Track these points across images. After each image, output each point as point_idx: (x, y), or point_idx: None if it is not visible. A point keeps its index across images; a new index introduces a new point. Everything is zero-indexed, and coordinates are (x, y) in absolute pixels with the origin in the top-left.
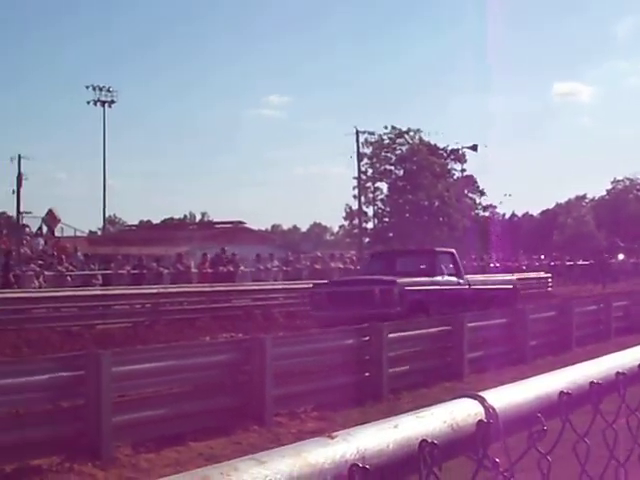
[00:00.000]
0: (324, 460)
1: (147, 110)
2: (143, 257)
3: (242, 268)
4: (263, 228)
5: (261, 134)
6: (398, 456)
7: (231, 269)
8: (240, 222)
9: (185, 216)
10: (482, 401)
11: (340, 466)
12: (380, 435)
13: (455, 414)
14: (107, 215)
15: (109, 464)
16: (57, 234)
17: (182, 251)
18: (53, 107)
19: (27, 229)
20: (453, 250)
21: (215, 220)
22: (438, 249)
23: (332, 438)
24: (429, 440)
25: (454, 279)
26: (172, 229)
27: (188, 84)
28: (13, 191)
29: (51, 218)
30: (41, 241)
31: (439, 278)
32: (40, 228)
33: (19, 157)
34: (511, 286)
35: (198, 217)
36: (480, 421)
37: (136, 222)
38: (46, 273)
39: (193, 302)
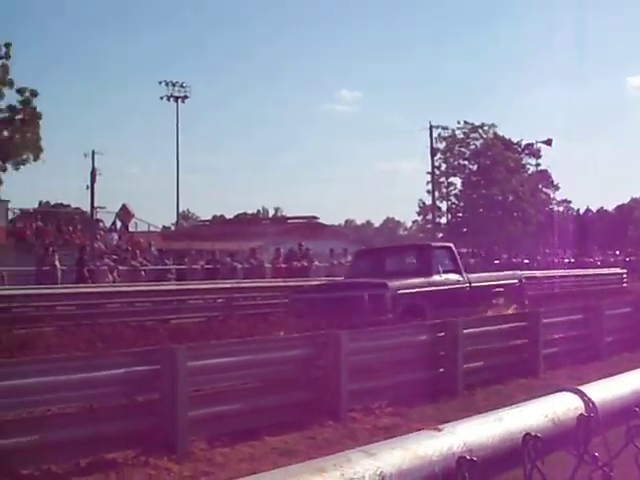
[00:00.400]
0: (432, 452)
1: (220, 105)
2: (217, 252)
3: (316, 263)
4: (336, 223)
5: (334, 129)
6: (502, 449)
7: (305, 264)
8: (313, 217)
9: (258, 211)
10: (582, 395)
11: (448, 458)
12: (485, 428)
13: (556, 408)
14: (180, 210)
15: (184, 458)
16: (131, 229)
17: (255, 246)
18: (127, 103)
19: (101, 224)
20: (450, 244)
21: (288, 215)
22: (433, 244)
23: (439, 430)
24: (532, 434)
25: (453, 277)
26: (245, 224)
27: (261, 79)
28: (87, 186)
29: (125, 213)
30: (115, 236)
31: (436, 277)
32: (114, 223)
33: (93, 153)
34: (516, 281)
35: (271, 212)
36: (581, 415)
37: (209, 217)
38: (120, 268)
39: (267, 297)
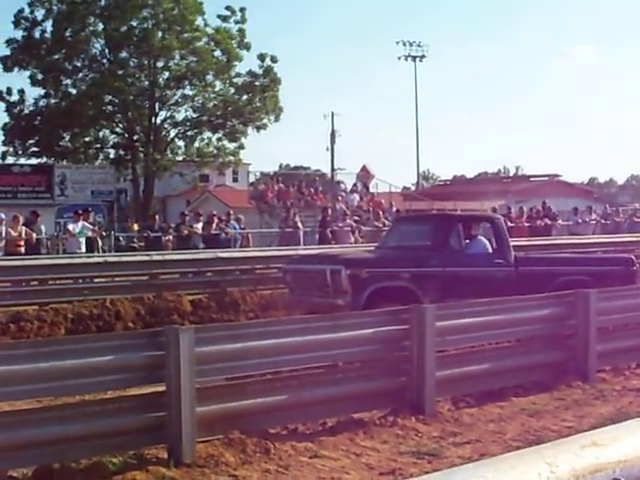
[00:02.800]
0: None
1: (456, 64)
2: (459, 211)
3: (560, 222)
4: (579, 181)
5: (570, 85)
6: None
7: (548, 222)
8: (556, 175)
9: (499, 170)
10: None
11: None
12: None
13: None
14: (421, 170)
15: (432, 418)
16: (372, 190)
17: (497, 205)
18: (365, 64)
19: (342, 185)
20: (493, 215)
21: (529, 173)
22: (458, 214)
23: None
24: None
25: (481, 258)
26: (486, 183)
27: (494, 38)
28: (327, 148)
29: (365, 174)
30: (356, 197)
31: (448, 256)
32: (355, 184)
33: (332, 114)
34: (619, 267)
35: (512, 171)
36: None
37: (450, 177)
38: (363, 228)
39: None
